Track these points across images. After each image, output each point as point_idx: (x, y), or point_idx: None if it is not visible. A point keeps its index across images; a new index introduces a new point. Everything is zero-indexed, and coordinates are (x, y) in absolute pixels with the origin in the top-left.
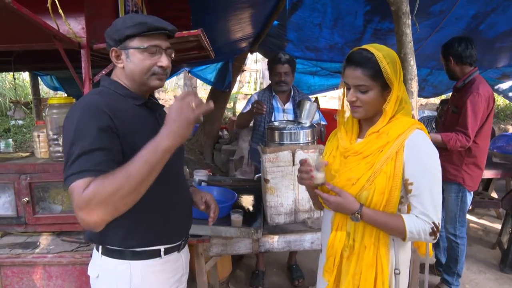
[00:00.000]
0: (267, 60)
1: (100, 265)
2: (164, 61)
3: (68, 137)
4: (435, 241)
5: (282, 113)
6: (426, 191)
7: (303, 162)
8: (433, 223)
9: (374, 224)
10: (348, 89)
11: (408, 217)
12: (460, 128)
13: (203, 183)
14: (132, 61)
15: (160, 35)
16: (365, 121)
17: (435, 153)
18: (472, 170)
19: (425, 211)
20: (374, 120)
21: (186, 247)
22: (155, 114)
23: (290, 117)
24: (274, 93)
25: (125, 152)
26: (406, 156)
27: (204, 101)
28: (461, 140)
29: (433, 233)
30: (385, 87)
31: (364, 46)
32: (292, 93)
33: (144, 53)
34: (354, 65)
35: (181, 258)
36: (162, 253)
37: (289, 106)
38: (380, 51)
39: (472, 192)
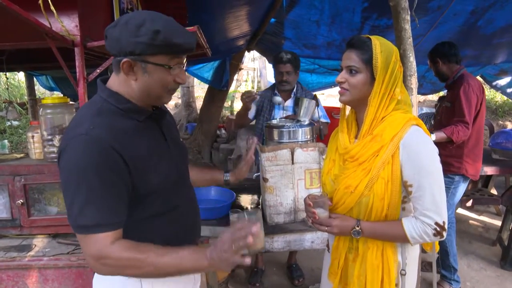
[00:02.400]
0: (265, 58)
1: (108, 282)
2: (182, 77)
3: (70, 176)
4: (443, 239)
5: (282, 110)
6: (426, 191)
7: (307, 204)
8: (436, 223)
9: (376, 237)
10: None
11: (408, 222)
12: (457, 117)
13: None
14: (151, 77)
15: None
16: (359, 115)
17: (433, 150)
18: (473, 160)
19: (426, 212)
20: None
21: None
22: (159, 126)
23: (289, 113)
24: (276, 91)
25: (136, 180)
26: (403, 158)
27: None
28: (461, 130)
29: (437, 233)
30: (374, 78)
31: (367, 35)
32: (294, 89)
33: (166, 71)
34: (350, 48)
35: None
36: None
37: (289, 103)
38: (378, 40)
39: (466, 183)
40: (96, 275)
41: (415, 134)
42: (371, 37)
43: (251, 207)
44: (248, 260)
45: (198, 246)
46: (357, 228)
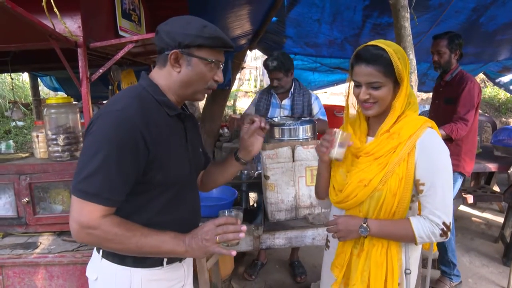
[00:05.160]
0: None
1: (100, 268)
2: (220, 76)
3: (93, 142)
4: (447, 239)
5: (279, 109)
6: (437, 191)
7: (329, 133)
8: (443, 223)
9: (383, 236)
10: (356, 86)
11: (417, 221)
12: (458, 115)
13: None
14: (193, 70)
15: (222, 51)
16: (373, 118)
17: (446, 152)
18: (469, 157)
19: (436, 211)
20: (382, 117)
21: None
22: (184, 125)
23: (287, 112)
24: (272, 91)
25: (151, 167)
26: (418, 156)
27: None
28: (460, 127)
29: (444, 233)
30: (396, 83)
31: (372, 43)
32: (292, 89)
33: (207, 66)
34: (365, 62)
35: (183, 268)
36: (164, 262)
37: (286, 102)
38: (390, 47)
39: (463, 178)
40: (90, 280)
41: (431, 136)
42: (380, 45)
43: (252, 203)
44: (234, 252)
45: (178, 233)
46: (364, 225)
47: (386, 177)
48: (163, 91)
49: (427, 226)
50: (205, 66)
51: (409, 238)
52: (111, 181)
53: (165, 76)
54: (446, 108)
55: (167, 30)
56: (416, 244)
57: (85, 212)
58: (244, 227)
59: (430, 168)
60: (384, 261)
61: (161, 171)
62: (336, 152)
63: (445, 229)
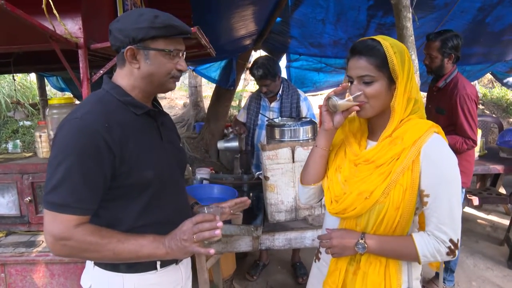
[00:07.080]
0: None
1: (93, 276)
2: (183, 64)
3: (55, 153)
4: (454, 258)
5: (268, 111)
6: (444, 204)
7: (344, 86)
8: (451, 240)
9: (382, 254)
10: (351, 83)
11: (420, 238)
12: (467, 134)
13: (204, 181)
14: (152, 63)
15: (181, 38)
16: (375, 120)
17: (454, 160)
18: (465, 167)
19: (442, 227)
20: (384, 119)
21: (188, 258)
22: (157, 123)
23: (275, 115)
24: (261, 94)
25: (120, 170)
26: (423, 164)
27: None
28: (468, 143)
29: (451, 252)
30: (393, 81)
31: (370, 37)
32: (280, 91)
33: (166, 56)
34: (358, 55)
35: (180, 270)
36: (158, 266)
37: (275, 104)
38: (386, 40)
39: (464, 189)
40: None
41: (437, 142)
42: (377, 38)
43: (252, 204)
44: (212, 251)
45: (157, 235)
46: (361, 241)
47: (389, 189)
48: (126, 91)
49: (432, 243)
50: (163, 57)
51: (412, 257)
52: (78, 190)
53: (127, 76)
54: (437, 117)
55: (119, 27)
56: (419, 263)
57: (56, 224)
58: (220, 224)
59: (436, 178)
60: (382, 281)
61: (133, 172)
62: (342, 101)
63: (452, 247)
